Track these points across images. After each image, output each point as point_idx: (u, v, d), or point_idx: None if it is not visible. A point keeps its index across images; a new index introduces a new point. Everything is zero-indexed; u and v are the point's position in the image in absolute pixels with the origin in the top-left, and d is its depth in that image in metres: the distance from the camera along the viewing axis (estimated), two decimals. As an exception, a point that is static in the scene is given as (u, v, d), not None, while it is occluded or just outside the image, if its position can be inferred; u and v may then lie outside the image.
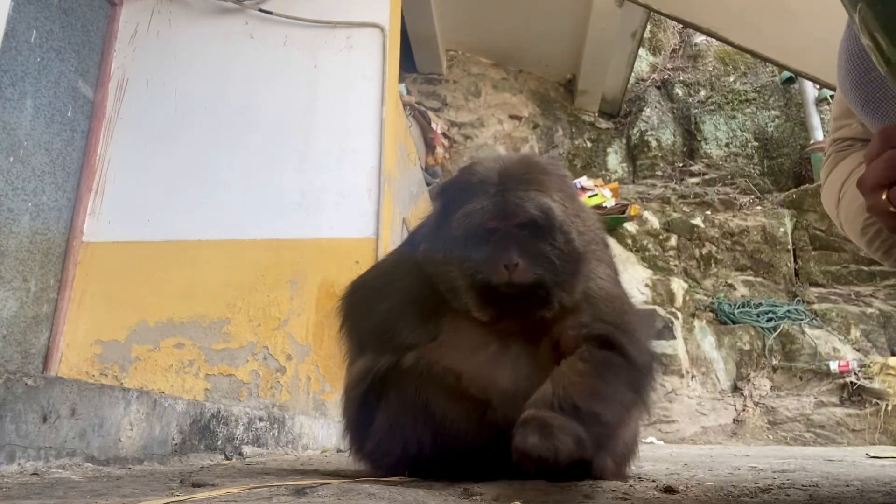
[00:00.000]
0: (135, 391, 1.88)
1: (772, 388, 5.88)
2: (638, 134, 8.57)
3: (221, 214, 3.88)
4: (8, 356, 3.39)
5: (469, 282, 1.42)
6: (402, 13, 4.72)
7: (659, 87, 9.03)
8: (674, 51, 9.46)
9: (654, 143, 8.49)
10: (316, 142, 3.98)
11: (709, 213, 7.44)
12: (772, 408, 5.73)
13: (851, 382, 5.53)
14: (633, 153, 8.55)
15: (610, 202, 7.11)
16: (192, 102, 4.12)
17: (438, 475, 1.44)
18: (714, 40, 7.33)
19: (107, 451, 1.73)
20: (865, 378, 5.52)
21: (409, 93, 6.74)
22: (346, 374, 1.67)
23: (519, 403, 1.35)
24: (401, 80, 5.39)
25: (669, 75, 9.11)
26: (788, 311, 6.34)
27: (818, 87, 7.72)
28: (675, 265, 7.03)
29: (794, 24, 3.63)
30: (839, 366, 5.62)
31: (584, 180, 7.32)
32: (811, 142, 7.84)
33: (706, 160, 8.35)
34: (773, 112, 8.43)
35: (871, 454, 3.33)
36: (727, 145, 8.40)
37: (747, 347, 6.15)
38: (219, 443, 2.28)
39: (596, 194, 7.06)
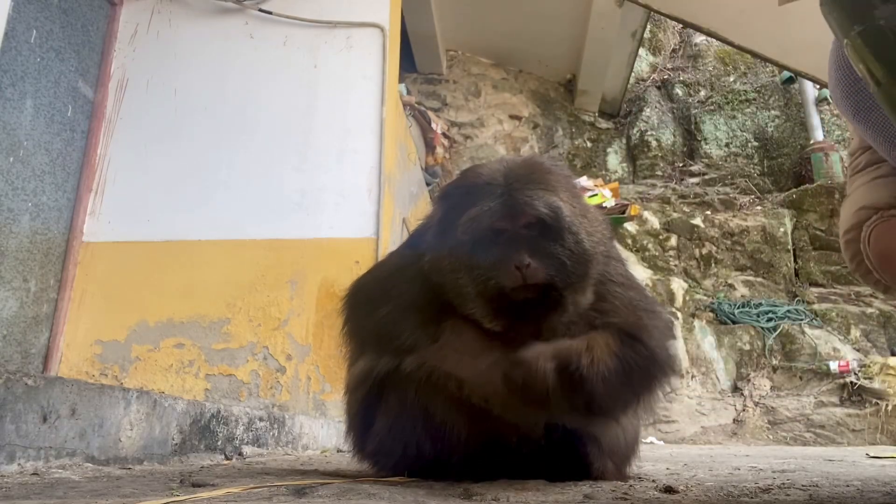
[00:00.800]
0: (135, 391, 1.88)
1: (772, 388, 5.88)
2: (638, 134, 8.57)
3: (221, 214, 3.88)
4: (8, 356, 3.39)
5: (480, 289, 1.37)
6: (402, 13, 4.72)
7: (659, 87, 9.03)
8: (674, 51, 9.46)
9: (654, 143, 8.49)
10: (316, 142, 3.98)
11: (709, 213, 7.44)
12: (772, 408, 5.73)
13: (851, 382, 5.53)
14: (633, 153, 8.55)
15: (610, 202, 7.10)
16: (192, 102, 4.12)
17: (438, 476, 1.44)
18: (714, 40, 7.33)
19: (107, 451, 1.73)
20: (865, 378, 5.52)
21: (409, 93, 6.72)
22: (348, 374, 1.67)
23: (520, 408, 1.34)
24: (401, 80, 5.39)
25: (669, 75, 9.11)
26: (788, 311, 6.34)
27: (818, 87, 7.71)
28: (675, 265, 7.02)
29: (794, 24, 3.63)
30: (839, 366, 5.62)
31: (584, 180, 7.31)
32: (811, 142, 7.83)
33: (706, 160, 8.35)
34: (773, 112, 8.43)
35: (871, 454, 3.33)
36: (727, 145, 8.40)
37: (747, 347, 6.14)
38: (219, 443, 2.28)
39: (596, 194, 7.05)
